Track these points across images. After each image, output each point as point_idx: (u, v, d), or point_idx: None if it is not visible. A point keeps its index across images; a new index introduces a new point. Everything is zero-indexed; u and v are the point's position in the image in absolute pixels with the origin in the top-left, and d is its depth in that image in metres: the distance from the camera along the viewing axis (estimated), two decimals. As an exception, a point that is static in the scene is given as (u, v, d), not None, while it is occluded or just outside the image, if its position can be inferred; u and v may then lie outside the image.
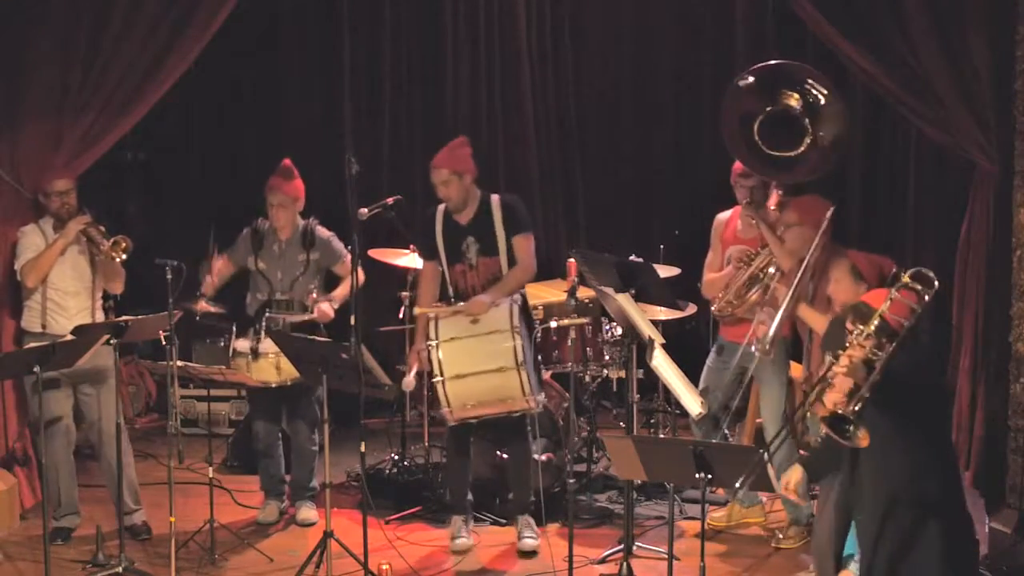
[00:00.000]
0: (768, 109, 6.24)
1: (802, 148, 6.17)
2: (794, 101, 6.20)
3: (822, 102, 6.14)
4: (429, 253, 6.61)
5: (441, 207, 6.54)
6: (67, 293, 6.63)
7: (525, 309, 6.50)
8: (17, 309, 6.77)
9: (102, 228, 6.62)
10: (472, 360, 6.19)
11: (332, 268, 6.96)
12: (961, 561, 4.73)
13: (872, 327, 4.50)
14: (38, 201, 6.75)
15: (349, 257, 6.81)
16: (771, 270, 6.10)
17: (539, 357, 6.64)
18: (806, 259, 5.79)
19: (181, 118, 9.01)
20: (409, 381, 6.39)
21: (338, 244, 6.91)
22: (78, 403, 6.68)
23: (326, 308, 6.77)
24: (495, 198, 6.50)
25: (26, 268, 6.58)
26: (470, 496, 6.73)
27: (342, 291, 6.88)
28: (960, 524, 4.75)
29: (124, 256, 6.52)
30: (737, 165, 6.38)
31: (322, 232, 6.92)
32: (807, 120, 6.15)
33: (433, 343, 6.21)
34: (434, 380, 6.22)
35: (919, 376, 4.63)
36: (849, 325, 4.63)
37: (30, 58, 6.91)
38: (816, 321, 5.68)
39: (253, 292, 6.94)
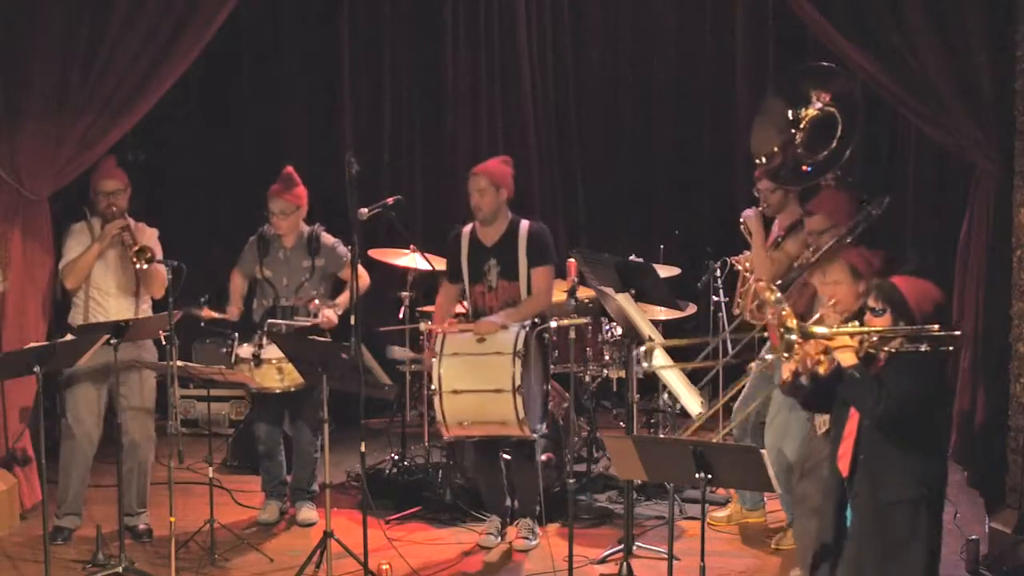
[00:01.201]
0: (803, 122, 6.22)
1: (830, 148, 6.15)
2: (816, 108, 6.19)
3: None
4: (453, 275, 6.62)
5: (467, 229, 6.55)
6: (108, 294, 6.65)
7: (541, 336, 6.50)
8: (38, 308, 6.87)
9: (134, 233, 6.61)
10: (470, 378, 6.20)
11: (338, 274, 6.96)
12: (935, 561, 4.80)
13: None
14: (89, 198, 6.75)
15: None
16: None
17: (547, 387, 6.62)
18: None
19: (181, 118, 9.01)
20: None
21: (343, 250, 6.90)
22: (113, 400, 6.68)
23: (330, 314, 6.77)
24: (524, 224, 6.49)
25: (65, 270, 6.63)
26: (509, 501, 6.74)
27: (347, 297, 6.86)
28: (938, 529, 4.82)
29: (145, 265, 6.51)
30: (758, 171, 6.39)
31: (327, 238, 6.91)
32: (842, 124, 6.12)
33: (436, 357, 6.23)
34: (431, 393, 6.24)
35: (921, 404, 4.65)
36: (871, 302, 4.65)
37: (30, 58, 6.90)
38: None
39: (259, 299, 6.94)
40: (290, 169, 6.87)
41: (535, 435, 6.38)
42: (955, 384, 6.80)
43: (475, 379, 6.19)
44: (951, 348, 4.60)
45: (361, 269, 6.80)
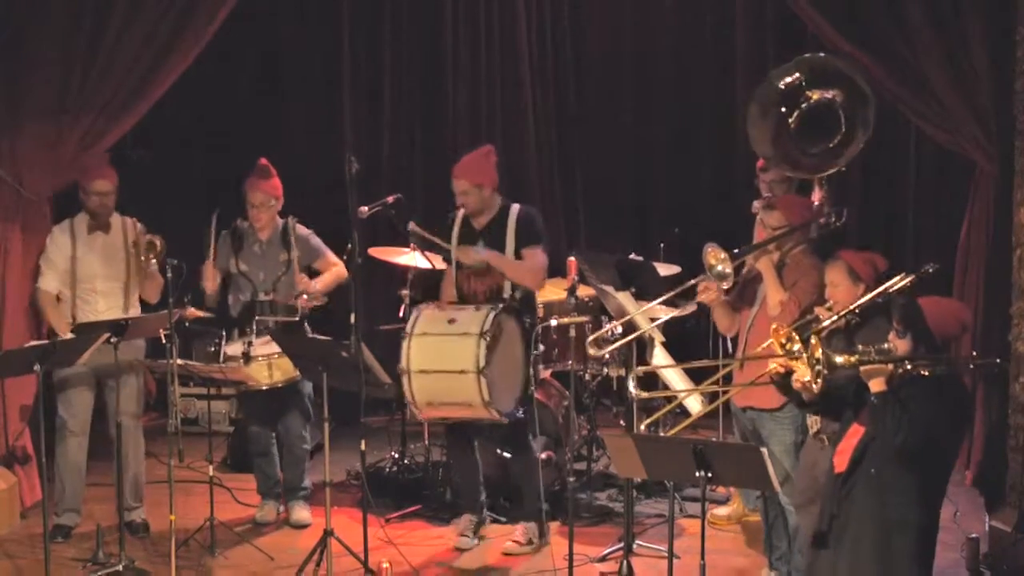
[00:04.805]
0: (800, 109, 6.15)
1: (837, 138, 6.09)
2: (819, 94, 6.11)
3: (861, 98, 6.07)
4: (449, 258, 6.64)
5: (461, 211, 6.57)
6: (96, 291, 6.65)
7: (522, 320, 6.50)
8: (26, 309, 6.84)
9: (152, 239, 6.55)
10: (437, 358, 6.19)
11: (313, 265, 6.97)
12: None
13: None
14: (78, 196, 6.74)
15: (329, 253, 6.91)
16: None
17: (529, 372, 6.51)
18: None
19: (181, 118, 9.00)
20: None
21: (316, 240, 6.94)
22: (103, 396, 6.69)
23: (313, 284, 6.77)
24: (515, 208, 6.51)
25: (38, 297, 6.63)
26: (483, 496, 6.73)
27: (325, 280, 6.88)
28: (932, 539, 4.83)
29: (153, 260, 6.48)
30: (760, 160, 6.36)
31: (301, 230, 6.92)
32: (844, 115, 6.06)
33: (407, 335, 6.23)
34: (400, 372, 6.23)
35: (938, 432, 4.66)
36: (895, 323, 4.66)
37: (30, 58, 6.91)
38: (774, 290, 5.65)
39: (235, 293, 6.92)
40: (265, 161, 6.87)
41: (505, 420, 6.32)
42: (974, 407, 6.73)
43: (441, 359, 6.18)
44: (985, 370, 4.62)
45: (336, 259, 6.83)
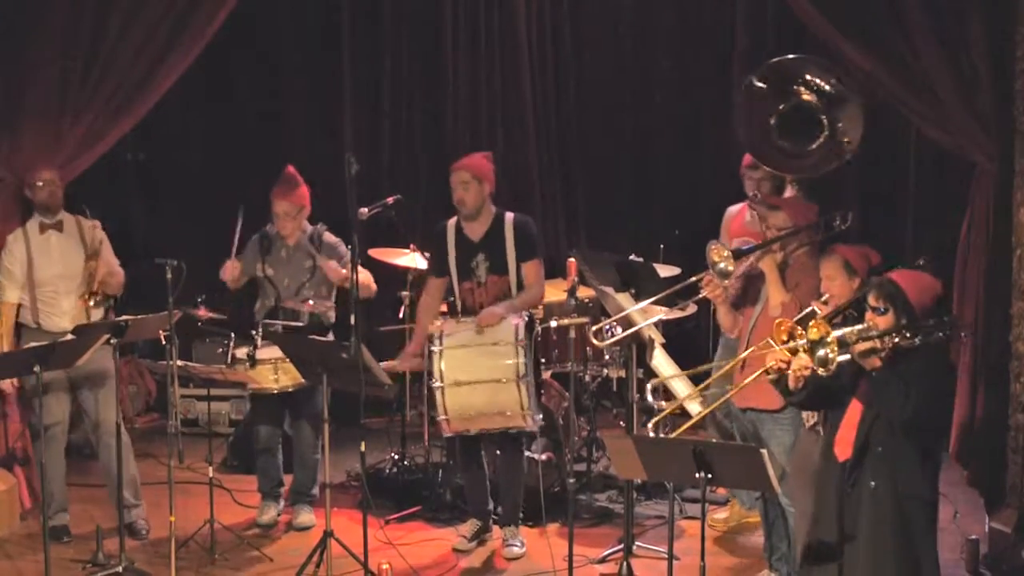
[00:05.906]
0: (781, 107, 6.15)
1: (819, 141, 6.10)
2: (809, 96, 6.11)
3: (837, 96, 6.07)
4: (439, 270, 6.60)
5: (451, 222, 6.53)
6: (58, 292, 6.64)
7: (530, 328, 6.50)
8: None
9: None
10: (473, 369, 6.18)
11: None
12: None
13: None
14: (26, 200, 6.74)
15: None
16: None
17: (538, 379, 6.58)
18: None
19: (181, 118, 9.00)
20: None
21: (344, 250, 6.87)
22: (78, 403, 6.69)
23: (335, 265, 6.71)
24: (509, 216, 6.49)
25: (1, 311, 6.61)
26: (491, 505, 6.73)
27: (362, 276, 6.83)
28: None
29: (92, 303, 6.60)
30: (746, 158, 6.34)
31: (329, 238, 6.88)
32: (823, 115, 6.07)
33: (437, 350, 6.21)
34: (434, 386, 6.22)
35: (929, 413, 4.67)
36: (872, 301, 4.66)
37: (30, 58, 6.91)
38: (776, 291, 5.65)
39: (262, 299, 6.92)
40: (291, 169, 6.84)
41: (536, 427, 6.35)
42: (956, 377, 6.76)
43: (478, 370, 6.18)
44: (963, 336, 4.63)
45: (368, 275, 6.78)
